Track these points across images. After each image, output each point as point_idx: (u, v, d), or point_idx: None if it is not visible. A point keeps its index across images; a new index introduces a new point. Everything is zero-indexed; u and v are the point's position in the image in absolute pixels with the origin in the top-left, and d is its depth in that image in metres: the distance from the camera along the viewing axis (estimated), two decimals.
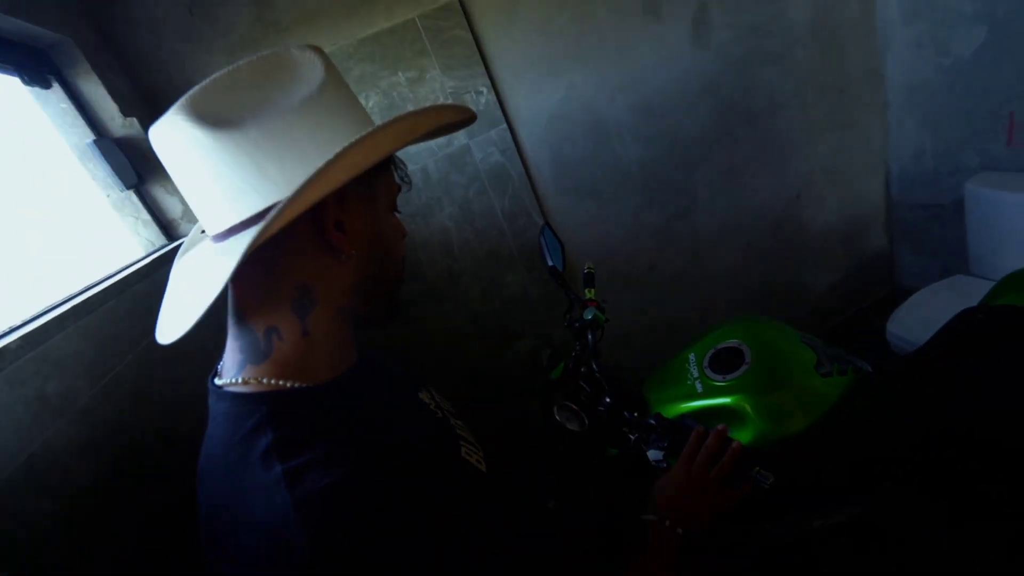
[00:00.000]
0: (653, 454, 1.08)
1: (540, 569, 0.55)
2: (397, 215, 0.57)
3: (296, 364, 0.49)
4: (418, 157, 1.42)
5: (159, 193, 1.19)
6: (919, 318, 1.62)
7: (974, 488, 1.09)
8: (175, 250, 0.96)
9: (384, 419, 0.53)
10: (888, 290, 2.18)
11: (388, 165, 0.54)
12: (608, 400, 1.14)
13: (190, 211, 1.19)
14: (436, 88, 1.39)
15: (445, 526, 0.45)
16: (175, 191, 1.17)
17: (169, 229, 1.21)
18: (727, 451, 0.77)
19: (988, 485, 1.08)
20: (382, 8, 1.30)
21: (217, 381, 0.51)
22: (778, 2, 1.65)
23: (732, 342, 1.12)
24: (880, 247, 2.11)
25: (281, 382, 0.48)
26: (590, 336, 1.24)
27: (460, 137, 1.44)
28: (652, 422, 1.06)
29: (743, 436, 1.03)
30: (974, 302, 1.61)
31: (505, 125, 1.47)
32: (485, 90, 1.43)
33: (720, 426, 0.82)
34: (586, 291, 1.31)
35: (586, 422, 1.11)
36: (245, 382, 0.48)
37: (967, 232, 1.70)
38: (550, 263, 1.25)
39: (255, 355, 0.49)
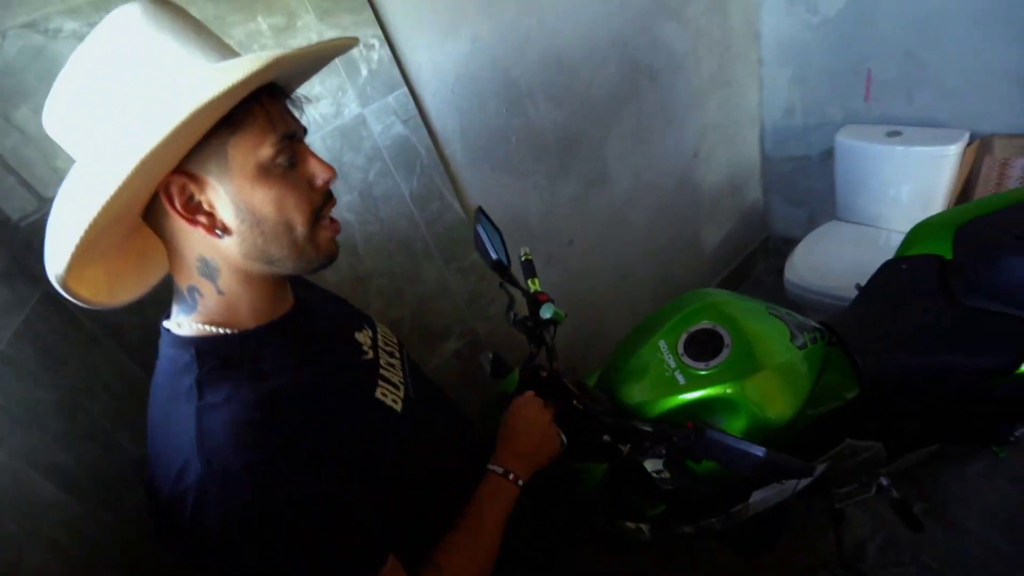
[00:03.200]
0: (652, 464, 0.98)
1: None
2: (282, 166, 0.52)
3: (221, 314, 0.55)
4: None
5: None
6: (810, 265, 1.75)
7: (904, 427, 1.19)
8: None
9: (304, 362, 0.58)
10: (764, 237, 2.37)
11: (233, 127, 0.48)
12: (582, 408, 1.00)
13: None
14: (312, 39, 1.04)
15: (336, 465, 0.52)
16: None
17: None
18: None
19: (909, 423, 1.19)
20: None
21: (165, 323, 0.56)
22: None
23: (705, 324, 1.05)
24: (756, 198, 2.26)
25: (210, 328, 0.54)
26: (546, 336, 1.08)
27: (351, 105, 1.12)
28: (647, 428, 0.95)
29: (735, 426, 0.97)
30: (854, 244, 1.79)
31: (405, 88, 1.18)
32: (377, 43, 1.12)
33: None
34: (529, 283, 1.13)
35: (564, 440, 0.95)
36: (180, 326, 0.55)
37: (836, 180, 1.87)
38: (494, 256, 1.04)
39: (186, 307, 0.55)
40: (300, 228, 0.54)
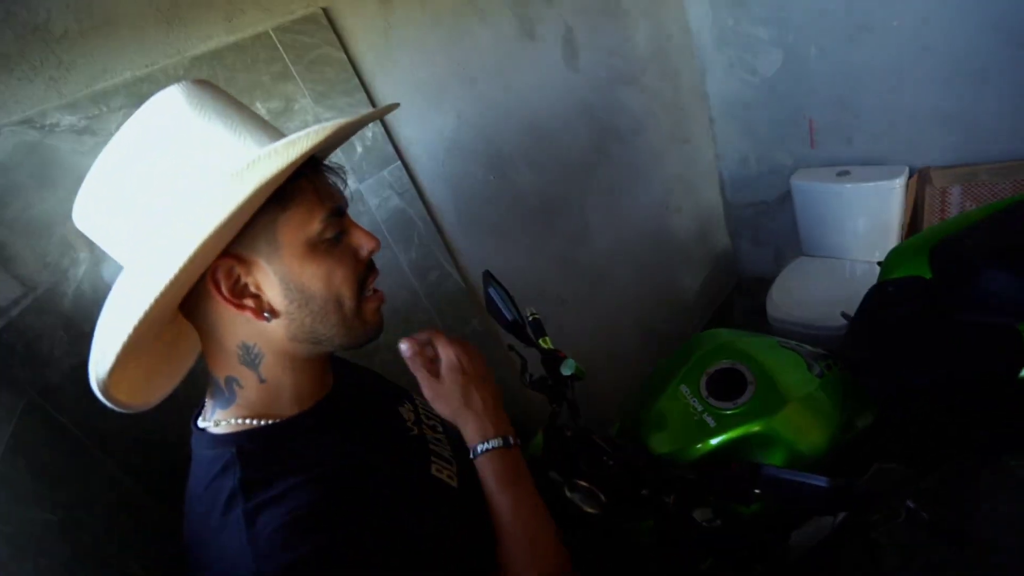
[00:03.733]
0: (701, 513, 0.94)
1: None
2: (330, 241, 0.50)
3: (261, 404, 0.52)
4: None
5: None
6: (791, 300, 1.82)
7: (927, 442, 1.20)
8: None
9: (354, 444, 0.55)
10: (735, 280, 2.47)
11: (283, 204, 0.47)
12: (612, 463, 0.97)
13: None
14: (309, 121, 1.06)
15: (401, 548, 0.48)
16: None
17: None
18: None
19: (925, 441, 1.21)
20: (219, 16, 0.93)
21: (199, 423, 0.53)
22: (626, 28, 1.73)
23: (724, 363, 1.06)
24: (724, 244, 2.38)
25: (249, 421, 0.50)
26: (568, 394, 1.06)
27: (349, 182, 1.13)
28: (691, 475, 0.92)
29: (775, 460, 0.96)
30: (823, 276, 1.88)
31: (399, 162, 1.21)
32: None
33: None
34: (541, 342, 1.12)
35: (603, 499, 0.91)
36: (217, 423, 0.51)
37: (797, 220, 2.00)
38: (509, 318, 1.04)
39: (223, 401, 0.52)
40: (348, 302, 0.52)
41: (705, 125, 2.12)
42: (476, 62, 1.35)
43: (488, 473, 0.60)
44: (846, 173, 1.82)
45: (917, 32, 1.55)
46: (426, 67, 1.25)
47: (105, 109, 0.83)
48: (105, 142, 0.82)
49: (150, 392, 0.52)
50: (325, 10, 1.06)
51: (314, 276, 0.49)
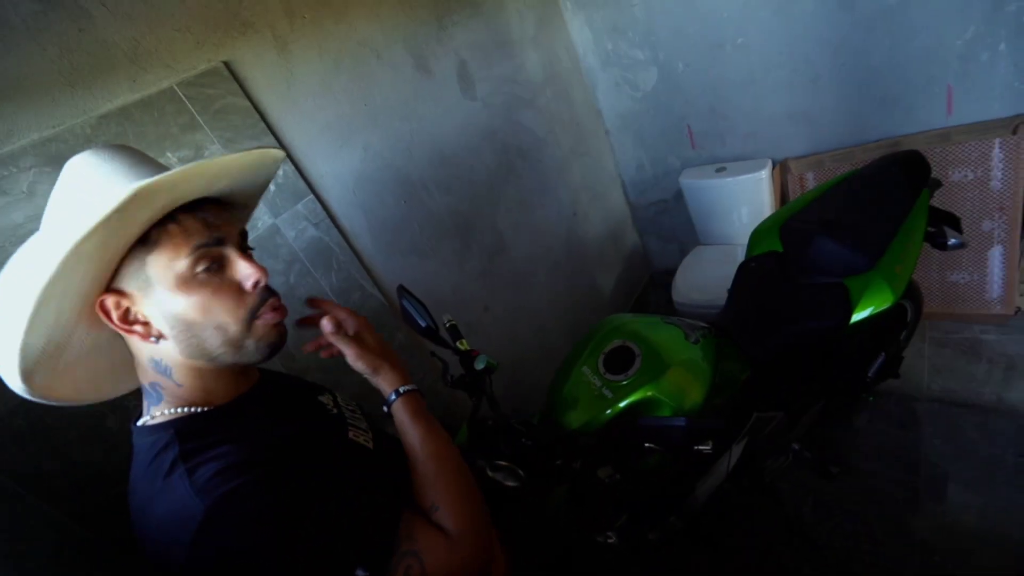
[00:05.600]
0: (604, 471, 1.08)
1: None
2: (207, 272, 0.55)
3: (190, 397, 0.58)
4: None
5: None
6: (690, 285, 2.04)
7: (791, 393, 1.41)
8: None
9: (277, 421, 0.62)
10: (649, 274, 2.69)
11: (149, 247, 0.53)
12: (529, 443, 1.10)
13: None
14: None
15: (323, 497, 0.55)
16: None
17: None
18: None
19: (793, 388, 1.42)
20: (123, 76, 1.01)
21: (138, 424, 0.59)
22: (517, 57, 1.91)
23: (616, 342, 1.21)
24: (634, 242, 2.60)
25: (183, 409, 0.57)
26: (485, 387, 1.18)
27: (264, 217, 1.21)
28: (590, 440, 1.06)
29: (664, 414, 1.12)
30: (718, 262, 2.11)
31: (312, 196, 1.30)
32: None
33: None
34: (458, 344, 1.25)
35: (521, 474, 1.03)
36: (153, 417, 0.57)
37: (691, 214, 2.24)
38: (423, 324, 1.15)
39: (154, 399, 0.59)
40: (232, 328, 0.56)
41: (602, 137, 2.34)
42: (378, 98, 1.47)
43: (404, 412, 0.68)
44: (723, 169, 2.07)
45: (761, 48, 1.82)
46: (330, 107, 1.36)
47: (14, 169, 0.89)
48: (16, 201, 0.89)
49: (98, 392, 0.60)
50: (226, 63, 1.16)
51: (188, 307, 0.54)
